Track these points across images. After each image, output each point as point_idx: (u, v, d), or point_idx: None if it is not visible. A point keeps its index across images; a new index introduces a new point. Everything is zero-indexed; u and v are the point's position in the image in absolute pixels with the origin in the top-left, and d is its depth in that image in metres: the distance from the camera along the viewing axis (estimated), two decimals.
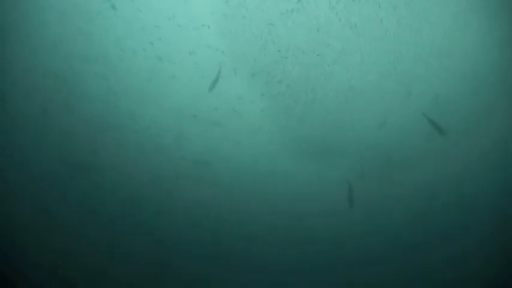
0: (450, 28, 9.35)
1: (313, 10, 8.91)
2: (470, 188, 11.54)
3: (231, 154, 11.53)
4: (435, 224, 11.98)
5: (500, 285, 10.89)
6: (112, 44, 9.73)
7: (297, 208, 11.99)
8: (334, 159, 11.56)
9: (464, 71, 10.11)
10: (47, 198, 11.26)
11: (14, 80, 10.36)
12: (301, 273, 12.26)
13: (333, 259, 12.19)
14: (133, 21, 9.28)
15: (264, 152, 11.40)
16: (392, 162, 11.50)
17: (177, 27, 9.27)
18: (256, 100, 10.53)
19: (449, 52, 9.79)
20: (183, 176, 11.66)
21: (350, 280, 12.05)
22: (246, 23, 9.16)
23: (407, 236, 12.15)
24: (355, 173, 11.54)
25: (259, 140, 11.22)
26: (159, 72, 10.12)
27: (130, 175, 11.66)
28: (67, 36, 9.82)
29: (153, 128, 11.18)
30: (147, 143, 11.30)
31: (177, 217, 12.14)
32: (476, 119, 10.80)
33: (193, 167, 11.53)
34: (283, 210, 11.98)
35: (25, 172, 11.09)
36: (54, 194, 11.34)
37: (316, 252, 12.22)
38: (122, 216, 11.84)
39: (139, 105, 10.79)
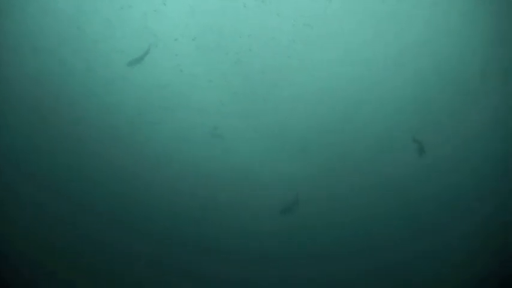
0: (427, 22, 9.48)
1: None
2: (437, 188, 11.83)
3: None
4: (403, 223, 12.20)
5: None
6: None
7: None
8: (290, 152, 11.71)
9: (440, 68, 10.27)
10: (44, 198, 11.28)
11: (9, 81, 10.44)
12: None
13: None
14: None
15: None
16: (358, 156, 11.67)
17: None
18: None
19: (424, 47, 9.88)
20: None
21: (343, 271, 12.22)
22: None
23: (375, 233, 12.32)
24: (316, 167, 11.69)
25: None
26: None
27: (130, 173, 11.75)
28: (58, 36, 9.92)
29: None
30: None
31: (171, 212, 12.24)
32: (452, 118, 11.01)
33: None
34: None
35: (21, 172, 11.12)
36: (52, 193, 11.36)
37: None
38: (122, 213, 11.91)
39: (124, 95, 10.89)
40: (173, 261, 12.01)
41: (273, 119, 11.25)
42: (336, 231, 12.19)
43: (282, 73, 10.31)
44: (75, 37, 10.03)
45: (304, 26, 9.51)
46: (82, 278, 11.19)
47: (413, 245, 12.03)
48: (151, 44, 9.84)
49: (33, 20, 9.70)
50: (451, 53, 9.89)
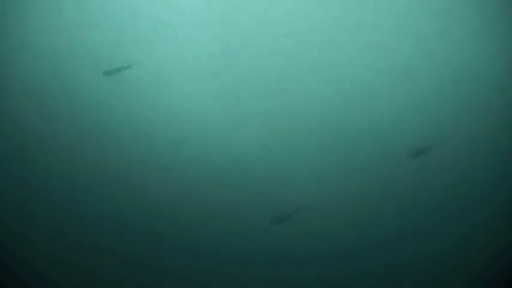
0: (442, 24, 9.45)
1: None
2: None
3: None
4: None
5: None
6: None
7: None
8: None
9: (454, 70, 10.27)
10: (38, 205, 11.13)
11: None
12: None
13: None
14: None
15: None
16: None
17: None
18: None
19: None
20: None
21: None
22: None
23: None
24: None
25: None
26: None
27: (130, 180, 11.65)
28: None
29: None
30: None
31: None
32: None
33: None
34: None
35: (13, 179, 10.95)
36: (47, 201, 11.23)
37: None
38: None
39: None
40: (170, 265, 11.97)
41: (276, 127, 11.24)
42: (337, 235, 12.24)
43: (284, 78, 10.32)
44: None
45: (312, 31, 9.50)
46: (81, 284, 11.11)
47: (414, 246, 12.15)
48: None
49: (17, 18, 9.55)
50: (466, 56, 9.96)
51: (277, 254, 12.14)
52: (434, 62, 10.07)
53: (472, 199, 11.77)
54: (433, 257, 11.93)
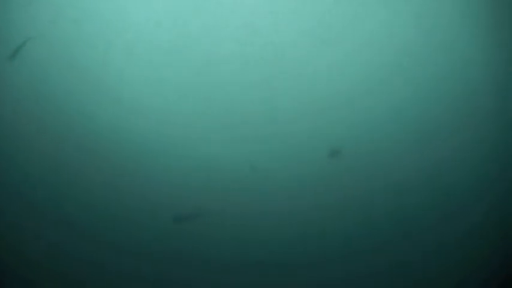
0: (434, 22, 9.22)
1: None
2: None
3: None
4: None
5: None
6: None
7: None
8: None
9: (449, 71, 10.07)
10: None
11: None
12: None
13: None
14: None
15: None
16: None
17: None
18: None
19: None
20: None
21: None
22: None
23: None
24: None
25: None
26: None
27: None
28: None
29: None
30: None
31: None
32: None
33: None
34: None
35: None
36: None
37: None
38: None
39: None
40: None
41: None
42: (252, 239, 11.84)
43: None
44: None
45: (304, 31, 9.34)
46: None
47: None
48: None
49: None
50: (459, 57, 9.78)
51: (182, 253, 11.79)
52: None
53: (474, 196, 11.47)
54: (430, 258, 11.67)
